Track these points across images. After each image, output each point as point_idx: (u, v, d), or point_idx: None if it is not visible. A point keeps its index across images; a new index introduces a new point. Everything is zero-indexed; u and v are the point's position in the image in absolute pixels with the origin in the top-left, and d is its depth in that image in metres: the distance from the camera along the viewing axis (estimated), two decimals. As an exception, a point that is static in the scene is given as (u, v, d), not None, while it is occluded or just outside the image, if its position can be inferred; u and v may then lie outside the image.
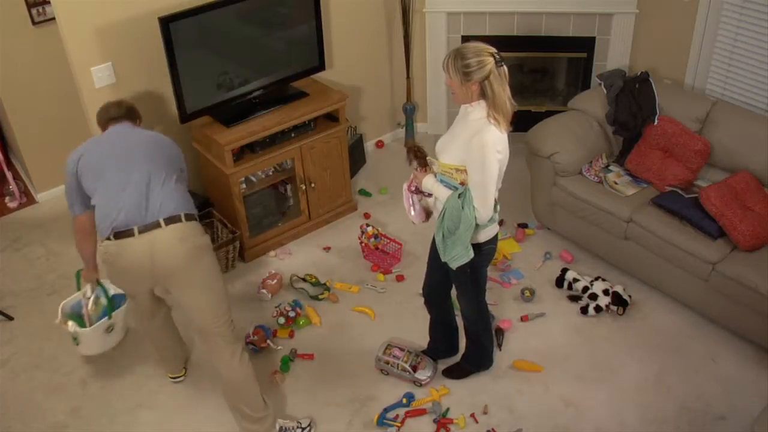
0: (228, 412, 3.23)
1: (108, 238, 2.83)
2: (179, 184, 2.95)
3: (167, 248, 2.81)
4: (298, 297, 3.98)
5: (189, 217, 2.88)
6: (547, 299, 3.92)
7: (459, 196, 2.74)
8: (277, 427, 3.19)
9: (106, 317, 3.42)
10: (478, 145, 2.68)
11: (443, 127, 5.25)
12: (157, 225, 2.80)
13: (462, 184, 2.77)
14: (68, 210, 3.04)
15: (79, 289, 3.49)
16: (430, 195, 2.97)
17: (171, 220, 2.82)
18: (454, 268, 2.92)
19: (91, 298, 3.43)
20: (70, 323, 3.37)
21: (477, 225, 2.80)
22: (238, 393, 3.08)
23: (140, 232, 2.79)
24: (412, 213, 3.07)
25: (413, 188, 3.01)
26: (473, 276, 3.03)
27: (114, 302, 3.46)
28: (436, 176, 2.89)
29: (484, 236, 2.91)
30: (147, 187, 2.83)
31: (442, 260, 2.93)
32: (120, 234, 2.80)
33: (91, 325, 3.40)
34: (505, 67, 2.66)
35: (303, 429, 3.23)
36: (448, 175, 2.81)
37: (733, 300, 3.48)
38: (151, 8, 3.69)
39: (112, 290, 3.46)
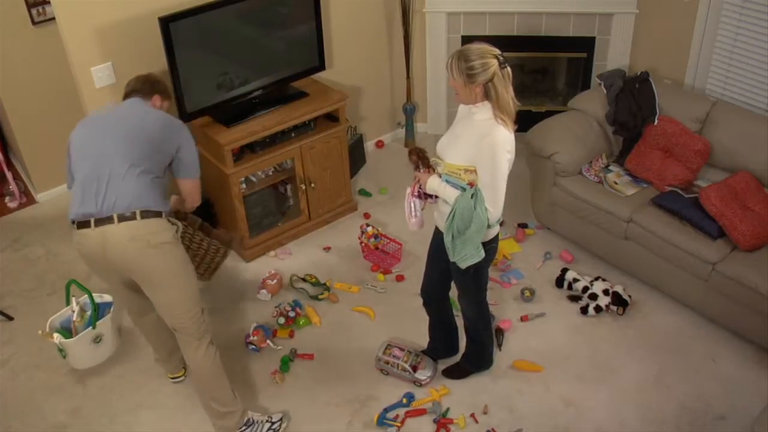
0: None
1: (74, 227, 2.85)
2: (144, 176, 2.83)
3: (117, 245, 2.79)
4: (298, 297, 3.98)
5: (146, 215, 2.79)
6: (547, 299, 3.92)
7: (471, 197, 2.74)
8: (245, 419, 3.18)
9: (90, 327, 3.43)
10: (489, 145, 2.69)
11: (443, 127, 5.25)
12: (110, 220, 2.76)
13: (470, 184, 2.77)
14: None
15: (68, 302, 3.50)
16: (435, 198, 2.96)
17: (124, 217, 2.76)
18: (464, 268, 2.92)
19: (76, 310, 3.44)
20: (56, 335, 3.40)
21: (489, 225, 2.81)
22: (203, 387, 3.10)
23: (95, 225, 2.78)
24: (413, 220, 3.05)
25: (416, 192, 3.00)
26: (475, 276, 3.03)
27: (99, 312, 3.47)
28: (441, 177, 2.89)
29: (487, 236, 2.91)
30: (108, 178, 2.78)
31: (451, 260, 2.92)
32: (80, 224, 2.81)
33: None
34: (509, 69, 2.67)
35: (273, 423, 3.22)
36: (455, 175, 2.81)
37: (733, 300, 3.48)
38: (151, 8, 3.69)
39: (99, 300, 3.49)
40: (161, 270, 2.88)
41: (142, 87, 3.08)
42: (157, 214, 2.85)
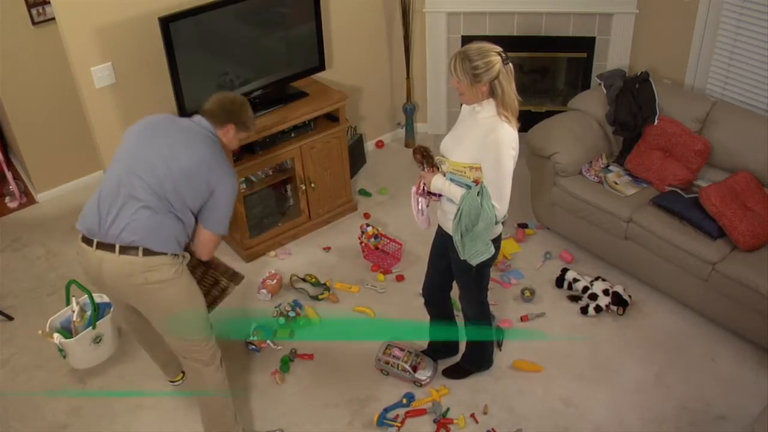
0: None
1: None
2: (161, 215, 2.68)
3: (114, 278, 2.72)
4: (298, 297, 3.98)
5: (148, 252, 2.66)
6: (547, 299, 3.92)
7: (477, 194, 2.74)
8: None
9: (90, 327, 3.44)
10: (493, 143, 2.70)
11: (443, 127, 5.25)
12: (111, 248, 2.66)
13: (475, 182, 2.77)
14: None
15: (68, 302, 3.50)
16: (439, 196, 2.96)
17: (126, 250, 2.65)
18: (474, 265, 2.92)
19: (76, 310, 3.45)
20: (56, 335, 3.40)
21: (496, 222, 2.82)
22: (208, 413, 3.07)
23: (97, 247, 2.69)
24: (422, 217, 3.05)
25: (421, 191, 3.00)
26: (477, 276, 3.03)
27: (99, 312, 3.48)
28: (445, 176, 2.89)
29: (491, 234, 2.91)
30: (124, 202, 2.67)
31: (461, 258, 2.91)
32: (84, 239, 2.75)
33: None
34: (511, 65, 2.69)
35: None
36: (460, 173, 2.81)
37: (733, 300, 3.48)
38: (151, 8, 3.69)
39: (99, 300, 3.50)
40: (160, 306, 2.81)
41: (218, 113, 2.86)
42: (161, 253, 2.71)
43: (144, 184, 2.68)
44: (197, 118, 2.87)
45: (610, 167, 4.11)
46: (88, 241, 2.74)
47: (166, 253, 2.71)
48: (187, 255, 2.86)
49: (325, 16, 4.32)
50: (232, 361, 3.60)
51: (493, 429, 3.24)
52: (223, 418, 3.07)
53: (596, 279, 3.89)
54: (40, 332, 3.46)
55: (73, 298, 3.49)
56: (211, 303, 3.16)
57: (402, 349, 3.49)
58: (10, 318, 3.92)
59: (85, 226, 2.75)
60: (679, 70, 4.49)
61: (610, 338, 3.67)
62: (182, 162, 2.72)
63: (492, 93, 2.69)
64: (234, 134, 2.92)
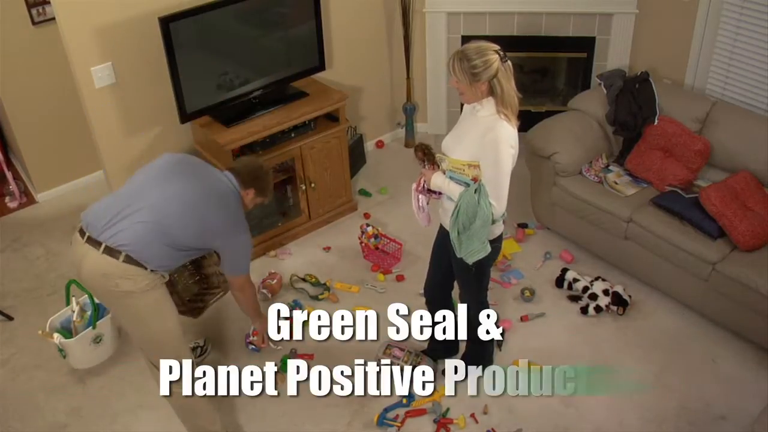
0: (227, 415, 3.28)
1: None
2: (155, 235, 2.74)
3: (90, 274, 2.77)
4: (298, 297, 3.97)
5: (129, 260, 2.72)
6: (547, 299, 3.92)
7: (475, 192, 2.75)
8: None
9: (90, 327, 3.44)
10: (492, 141, 2.70)
11: (443, 127, 5.25)
12: (98, 245, 2.72)
13: (474, 180, 2.77)
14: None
15: (68, 302, 3.51)
16: (439, 194, 2.97)
17: (110, 251, 2.71)
18: (471, 263, 2.92)
19: (76, 310, 3.45)
20: (56, 335, 3.41)
21: (493, 221, 2.82)
22: (183, 418, 3.12)
23: (86, 241, 2.75)
24: (422, 215, 3.05)
25: (421, 188, 3.00)
26: (478, 275, 3.04)
27: (99, 312, 3.49)
28: (445, 173, 2.89)
29: (491, 234, 2.91)
30: (129, 213, 2.74)
31: (458, 256, 2.92)
32: (80, 231, 2.80)
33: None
34: (509, 62, 2.69)
35: None
36: (459, 171, 2.82)
37: (733, 300, 3.48)
38: (151, 8, 3.69)
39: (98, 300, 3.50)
40: (126, 314, 2.88)
41: (245, 177, 3.02)
42: (141, 266, 2.76)
43: (154, 209, 2.76)
44: (228, 174, 3.01)
45: (610, 167, 4.11)
46: (82, 233, 2.79)
47: (145, 267, 2.77)
48: (166, 275, 2.90)
49: (325, 16, 4.32)
50: (232, 361, 3.60)
51: (493, 429, 3.24)
52: (202, 420, 3.10)
53: (596, 279, 3.89)
54: (40, 332, 3.46)
55: (73, 298, 3.49)
56: (203, 308, 3.39)
57: (402, 349, 3.49)
58: (10, 318, 3.92)
59: (87, 219, 2.81)
60: (679, 70, 4.49)
61: (610, 338, 3.67)
62: (208, 219, 2.84)
63: (491, 91, 2.70)
64: (252, 198, 3.10)
